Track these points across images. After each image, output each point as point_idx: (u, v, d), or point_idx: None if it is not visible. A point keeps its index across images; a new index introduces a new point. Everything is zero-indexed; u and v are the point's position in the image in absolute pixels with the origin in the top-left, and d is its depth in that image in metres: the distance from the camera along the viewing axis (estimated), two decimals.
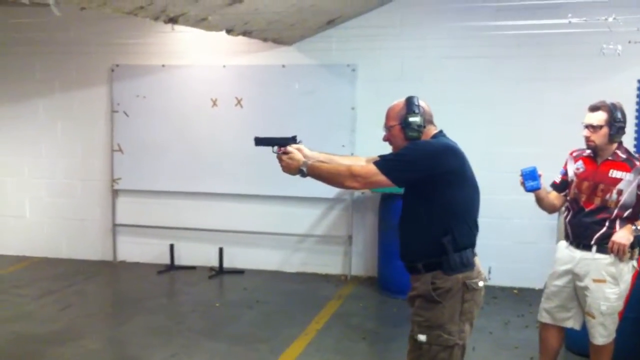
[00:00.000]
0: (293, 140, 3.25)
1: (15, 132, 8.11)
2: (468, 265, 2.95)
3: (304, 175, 3.13)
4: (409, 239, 3.10)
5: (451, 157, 2.97)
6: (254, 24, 6.06)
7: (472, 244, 3.01)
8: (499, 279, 6.73)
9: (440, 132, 3.16)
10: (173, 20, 5.19)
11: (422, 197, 3.00)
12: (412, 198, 3.08)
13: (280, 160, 3.22)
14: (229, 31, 6.07)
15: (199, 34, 6.55)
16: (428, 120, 3.10)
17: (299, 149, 3.22)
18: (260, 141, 3.37)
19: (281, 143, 3.22)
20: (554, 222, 5.87)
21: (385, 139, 3.17)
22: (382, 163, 2.95)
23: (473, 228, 3.04)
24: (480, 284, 3.01)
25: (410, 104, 3.07)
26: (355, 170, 3.00)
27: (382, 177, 2.92)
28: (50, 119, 7.99)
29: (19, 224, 8.20)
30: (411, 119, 3.02)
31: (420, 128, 3.04)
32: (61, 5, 4.27)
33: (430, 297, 2.97)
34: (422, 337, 2.98)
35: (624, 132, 3.86)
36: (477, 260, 3.06)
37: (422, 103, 3.10)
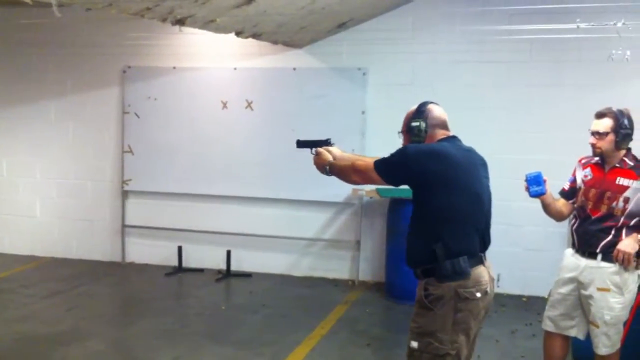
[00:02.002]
0: (326, 142, 3.45)
1: (28, 133, 8.16)
2: (461, 273, 2.90)
3: (327, 173, 3.30)
4: (408, 244, 3.12)
5: (434, 161, 2.95)
6: (264, 26, 6.04)
7: (469, 252, 2.95)
8: (508, 287, 6.66)
9: (450, 137, 3.15)
10: (181, 22, 5.18)
11: (416, 202, 3.05)
12: (413, 204, 3.09)
13: (314, 160, 3.40)
14: (238, 33, 6.06)
15: (210, 36, 6.55)
16: (434, 124, 3.13)
17: (329, 150, 3.36)
18: (301, 144, 3.60)
19: (317, 145, 3.46)
20: (565, 229, 5.79)
21: (402, 145, 3.24)
22: (379, 160, 3.05)
23: (472, 236, 2.99)
24: (478, 294, 2.93)
25: (417, 110, 3.16)
26: (357, 165, 3.14)
27: (375, 174, 3.04)
28: (61, 120, 8.03)
29: (29, 224, 8.24)
30: (413, 124, 3.13)
31: (420, 132, 3.10)
32: (67, 7, 4.27)
33: (423, 303, 2.96)
34: (413, 344, 2.97)
35: (631, 139, 3.81)
36: (482, 269, 3.00)
37: (433, 108, 3.16)
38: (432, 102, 3.20)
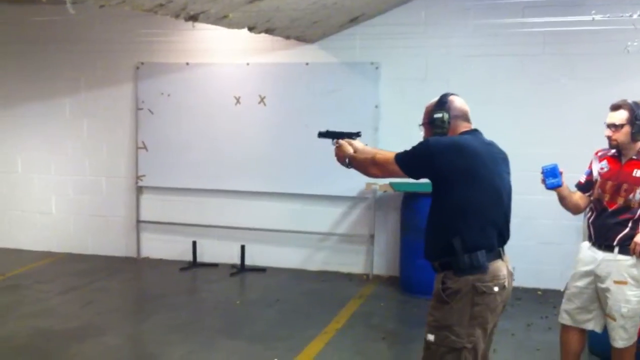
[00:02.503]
0: (349, 135, 3.49)
1: (43, 130, 8.21)
2: (479, 267, 2.89)
3: (347, 166, 3.32)
4: (427, 237, 3.12)
5: (455, 154, 2.93)
6: (276, 21, 6.04)
7: (487, 246, 2.93)
8: (523, 280, 6.60)
9: (472, 130, 3.15)
10: (194, 18, 5.18)
11: (436, 195, 3.03)
12: (432, 197, 3.08)
13: (335, 151, 3.42)
14: (250, 29, 6.06)
15: (223, 31, 6.55)
16: (456, 115, 3.12)
17: (350, 143, 3.38)
18: (323, 134, 3.60)
19: (339, 136, 3.48)
20: (580, 222, 5.76)
21: (423, 137, 3.23)
22: (400, 153, 3.04)
23: (490, 230, 2.97)
24: (496, 288, 2.92)
25: (439, 102, 3.15)
26: (377, 157, 3.15)
27: (396, 167, 3.03)
28: (76, 117, 8.07)
29: (45, 220, 8.30)
30: (435, 115, 3.11)
31: (444, 124, 3.09)
32: (80, 4, 4.28)
33: (440, 296, 2.95)
34: (430, 337, 2.97)
35: None
36: (500, 264, 2.99)
37: (455, 99, 3.16)
38: (453, 94, 3.18)
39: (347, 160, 3.30)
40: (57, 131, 8.14)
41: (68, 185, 8.19)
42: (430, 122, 3.13)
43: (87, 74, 7.97)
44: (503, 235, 3.07)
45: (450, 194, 2.94)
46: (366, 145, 3.44)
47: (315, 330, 5.44)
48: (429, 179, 3.02)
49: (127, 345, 5.24)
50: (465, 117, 3.16)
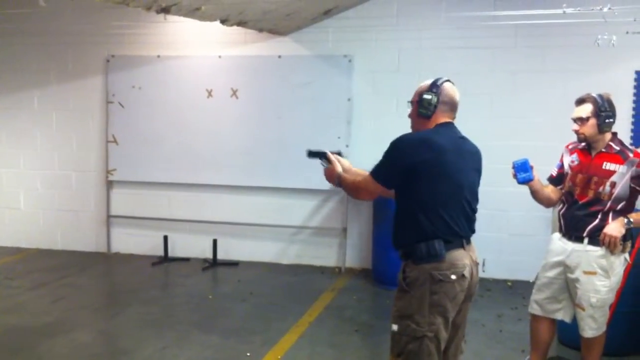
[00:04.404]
0: (338, 154, 3.45)
1: (11, 124, 8.09)
2: (436, 255, 2.94)
3: (338, 185, 3.30)
4: (393, 227, 3.16)
5: (425, 149, 2.96)
6: (249, 13, 6.01)
7: (445, 236, 2.97)
8: (493, 271, 6.71)
9: (447, 123, 3.14)
10: (165, 10, 5.15)
11: (401, 187, 3.06)
12: (398, 190, 3.11)
13: (325, 171, 3.40)
14: (223, 21, 6.03)
15: (195, 24, 6.51)
16: (444, 102, 3.12)
17: (339, 160, 3.37)
18: (312, 154, 3.50)
19: (326, 156, 3.42)
20: (549, 214, 5.81)
21: (409, 115, 3.26)
22: (373, 170, 3.07)
23: (448, 221, 2.99)
24: (453, 276, 2.95)
25: (432, 83, 3.15)
26: (359, 184, 3.17)
27: (376, 184, 3.06)
28: (45, 110, 7.96)
29: (13, 215, 8.18)
30: (425, 96, 3.11)
31: (430, 107, 3.10)
32: None
33: (401, 286, 3.02)
34: (394, 327, 3.03)
35: (613, 122, 3.82)
36: (461, 253, 3.01)
37: (446, 86, 3.15)
38: (449, 80, 3.18)
39: (336, 180, 3.29)
40: (26, 124, 8.02)
41: (37, 179, 8.08)
42: (418, 101, 3.12)
43: (57, 67, 7.87)
44: (465, 227, 3.08)
45: (414, 186, 2.97)
46: (351, 164, 3.44)
47: (288, 323, 5.44)
48: (402, 177, 3.00)
49: (99, 341, 5.18)
50: (451, 107, 3.16)
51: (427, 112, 3.10)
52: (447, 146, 3.01)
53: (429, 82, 3.17)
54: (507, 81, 6.72)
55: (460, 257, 3.01)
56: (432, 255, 2.94)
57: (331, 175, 3.33)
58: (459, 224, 3.04)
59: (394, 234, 3.14)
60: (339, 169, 3.31)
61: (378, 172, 3.05)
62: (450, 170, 3.00)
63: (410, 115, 3.24)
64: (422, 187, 2.96)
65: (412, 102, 3.21)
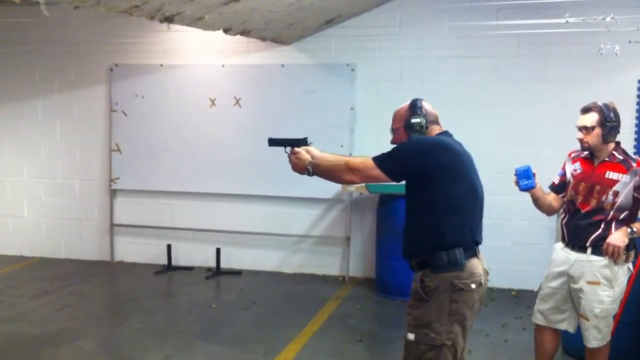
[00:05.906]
0: (304, 141, 3.30)
1: (14, 132, 8.11)
2: (456, 264, 2.93)
3: (309, 174, 3.17)
4: (405, 236, 3.14)
5: (441, 152, 2.98)
6: (252, 23, 6.03)
7: (465, 244, 2.97)
8: (497, 281, 6.67)
9: (445, 132, 3.20)
10: (169, 20, 5.17)
11: (414, 194, 3.05)
12: (408, 196, 3.11)
13: (290, 160, 3.26)
14: (226, 30, 6.05)
15: (198, 33, 6.52)
16: (431, 121, 3.18)
17: (307, 150, 3.24)
18: (273, 142, 3.40)
19: (292, 144, 3.28)
20: (553, 223, 5.82)
21: (392, 141, 3.24)
22: (379, 157, 3.01)
23: (467, 228, 3.01)
24: (473, 285, 2.95)
25: (413, 107, 3.18)
26: (353, 163, 3.06)
27: (378, 171, 2.98)
28: (49, 119, 7.98)
29: (17, 224, 8.19)
30: (413, 120, 3.13)
31: (422, 129, 3.13)
32: (54, 5, 4.24)
33: (419, 295, 2.98)
34: (410, 336, 2.99)
35: (618, 132, 3.82)
36: (476, 262, 3.02)
37: (425, 105, 3.20)
38: (421, 99, 3.22)
39: (309, 168, 3.14)
40: (30, 133, 8.05)
41: (40, 188, 8.09)
42: (407, 127, 3.13)
43: (60, 76, 7.89)
44: (480, 234, 3.11)
45: (432, 192, 2.96)
46: (323, 151, 3.26)
47: (292, 332, 5.43)
48: (411, 178, 3.02)
49: (102, 349, 5.18)
50: (437, 121, 3.24)
51: (420, 135, 3.12)
52: (460, 150, 3.06)
53: (405, 107, 3.20)
54: (509, 90, 6.73)
55: (477, 265, 3.02)
56: (452, 264, 2.93)
57: (299, 164, 3.19)
58: (476, 231, 3.06)
59: (407, 243, 3.11)
60: (309, 157, 3.16)
61: (385, 160, 2.98)
62: (467, 175, 3.03)
63: (397, 141, 3.19)
64: (441, 192, 2.95)
65: (396, 129, 3.21)
